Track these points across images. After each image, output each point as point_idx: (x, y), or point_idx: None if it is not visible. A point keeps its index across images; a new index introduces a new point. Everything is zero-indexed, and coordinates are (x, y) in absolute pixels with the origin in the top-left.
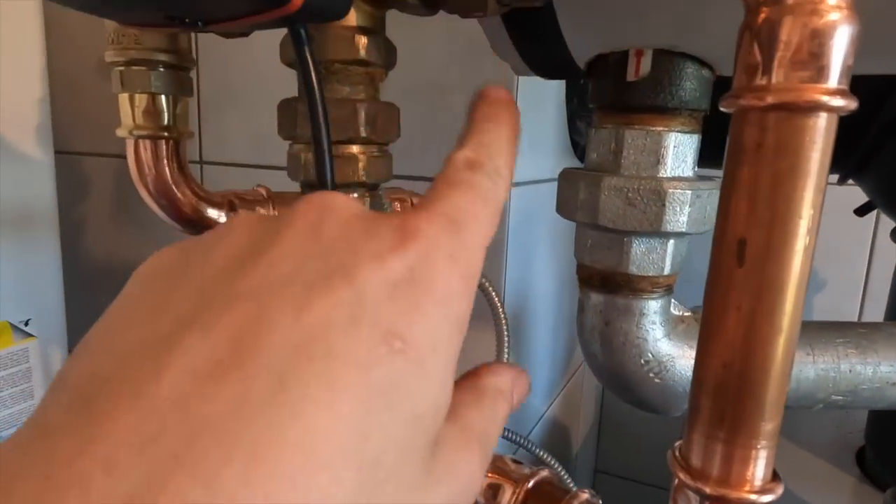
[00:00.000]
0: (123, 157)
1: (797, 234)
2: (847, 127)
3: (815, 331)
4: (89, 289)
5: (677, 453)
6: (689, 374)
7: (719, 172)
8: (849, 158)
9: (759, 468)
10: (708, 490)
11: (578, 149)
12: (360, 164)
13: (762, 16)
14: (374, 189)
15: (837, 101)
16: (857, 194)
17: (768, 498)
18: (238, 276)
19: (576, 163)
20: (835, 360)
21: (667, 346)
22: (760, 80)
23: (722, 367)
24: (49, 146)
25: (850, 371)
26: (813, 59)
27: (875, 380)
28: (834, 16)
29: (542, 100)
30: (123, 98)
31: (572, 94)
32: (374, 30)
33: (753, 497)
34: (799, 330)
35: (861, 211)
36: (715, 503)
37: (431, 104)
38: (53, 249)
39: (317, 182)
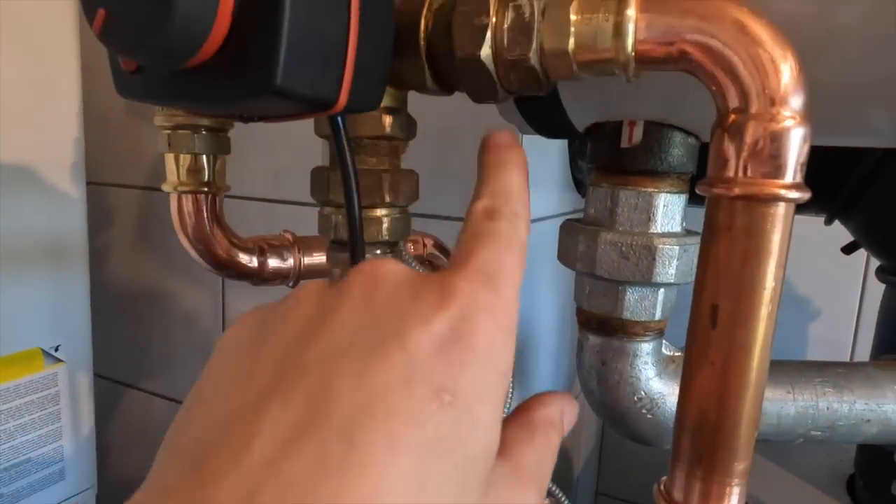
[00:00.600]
0: (147, 188)
1: (762, 303)
2: (831, 173)
3: (796, 370)
4: (112, 313)
5: (662, 487)
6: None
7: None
8: (832, 202)
9: (732, 503)
10: None
11: (581, 186)
12: (385, 226)
13: (731, 119)
14: (395, 245)
15: (793, 194)
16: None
17: None
18: (307, 346)
19: (577, 198)
20: (813, 399)
21: (658, 384)
22: (729, 173)
23: (699, 414)
24: (82, 182)
25: (828, 409)
26: (772, 158)
27: (851, 417)
28: (789, 122)
29: (546, 140)
30: (169, 157)
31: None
32: (398, 109)
33: None
34: (765, 382)
35: (847, 249)
36: None
37: (444, 147)
38: (83, 278)
39: (348, 241)
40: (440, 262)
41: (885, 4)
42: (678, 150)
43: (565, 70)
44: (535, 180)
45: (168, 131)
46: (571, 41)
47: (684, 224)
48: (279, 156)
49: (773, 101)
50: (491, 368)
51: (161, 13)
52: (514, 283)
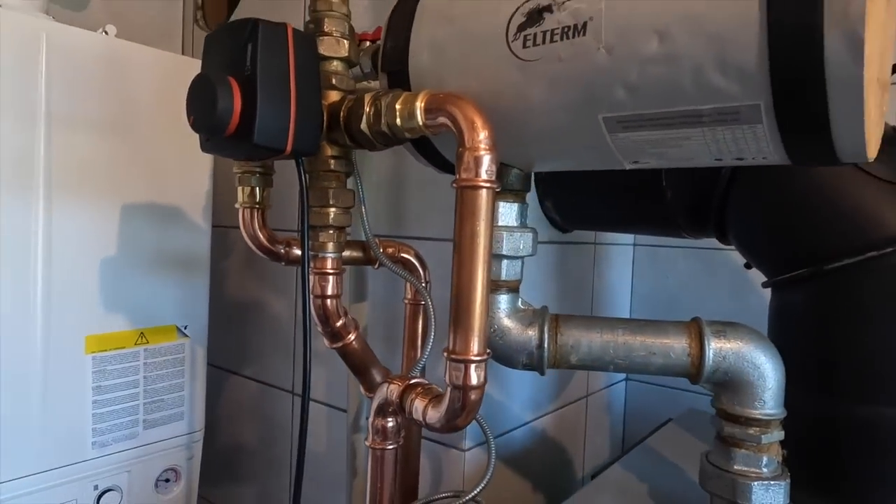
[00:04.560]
0: None
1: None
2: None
3: (608, 322)
4: (223, 317)
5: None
6: (520, 340)
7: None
8: (708, 223)
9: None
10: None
11: (553, 223)
12: (331, 217)
13: (459, 150)
14: (341, 230)
15: (488, 185)
16: None
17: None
18: None
19: (553, 231)
20: (614, 337)
21: (507, 322)
22: (462, 175)
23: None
24: (209, 220)
25: (624, 343)
26: (478, 166)
27: (641, 349)
28: (483, 153)
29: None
30: (238, 188)
31: (539, 182)
32: (339, 156)
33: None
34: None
35: (748, 265)
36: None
37: (429, 186)
38: (205, 285)
39: (299, 227)
40: (412, 265)
41: None
42: (511, 178)
43: (400, 133)
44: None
45: (238, 174)
46: (398, 119)
47: (520, 221)
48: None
49: (476, 145)
50: None
51: (210, 115)
52: None
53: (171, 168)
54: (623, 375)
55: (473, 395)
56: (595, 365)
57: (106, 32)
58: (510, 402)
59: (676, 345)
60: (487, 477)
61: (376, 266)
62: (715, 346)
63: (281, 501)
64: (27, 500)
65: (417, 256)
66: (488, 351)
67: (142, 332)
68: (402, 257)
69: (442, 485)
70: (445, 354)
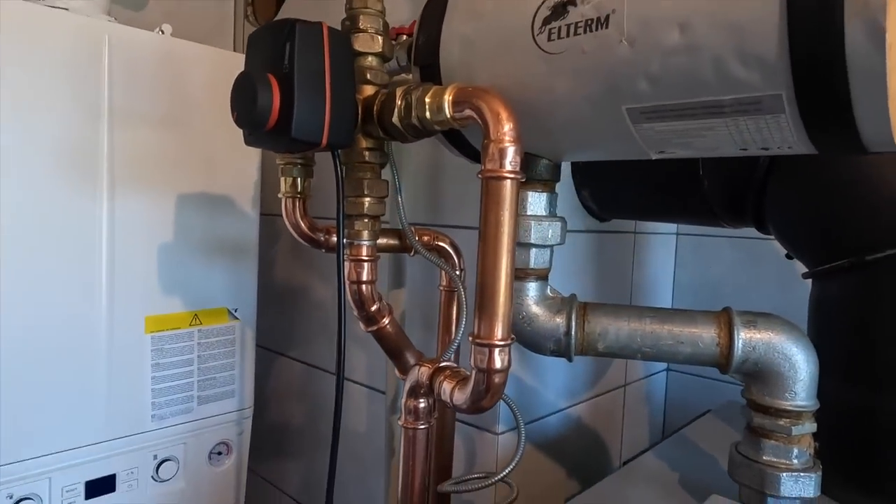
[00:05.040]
0: None
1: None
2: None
3: (636, 311)
4: (272, 299)
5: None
6: (548, 326)
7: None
8: (746, 217)
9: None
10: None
11: (590, 211)
12: (365, 207)
13: (485, 142)
14: (376, 219)
15: (513, 176)
16: None
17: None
18: None
19: (591, 220)
20: (641, 325)
21: (535, 308)
22: (490, 165)
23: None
24: (258, 209)
25: (652, 332)
26: (503, 157)
27: (669, 338)
28: (507, 144)
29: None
30: (281, 179)
31: (576, 172)
32: (374, 148)
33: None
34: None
35: (789, 255)
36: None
37: (465, 174)
38: (253, 270)
39: (336, 215)
40: (447, 253)
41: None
42: (540, 168)
43: (430, 126)
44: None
45: (281, 165)
46: (428, 112)
47: (551, 210)
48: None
49: (500, 137)
50: None
51: (251, 111)
52: None
53: (221, 160)
54: (664, 366)
55: (497, 378)
56: (622, 352)
57: (162, 31)
58: (544, 389)
59: (705, 334)
60: (517, 458)
61: (412, 254)
62: (745, 337)
63: (325, 477)
64: (95, 466)
65: (452, 245)
66: (512, 336)
67: (196, 314)
68: (438, 245)
69: (475, 467)
70: (471, 339)
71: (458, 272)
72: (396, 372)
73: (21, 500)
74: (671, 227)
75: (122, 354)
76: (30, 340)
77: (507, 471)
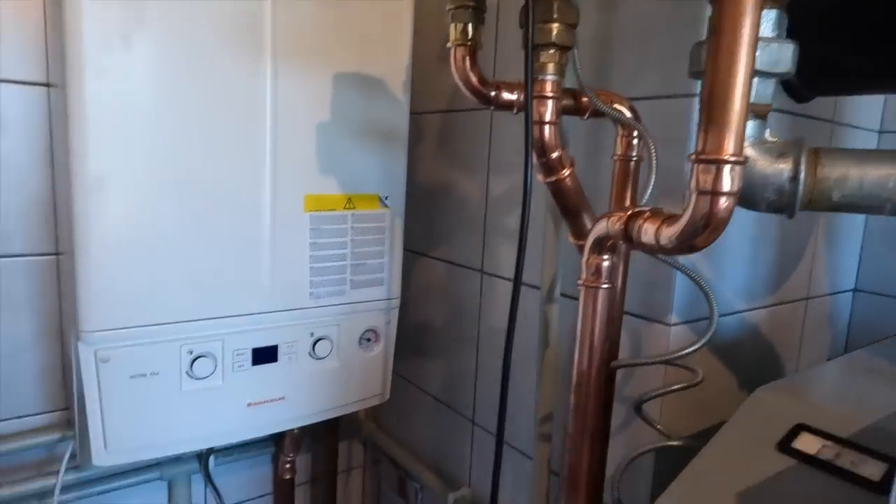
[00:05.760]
0: (445, 111)
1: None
2: None
3: (880, 154)
4: (413, 200)
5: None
6: (767, 172)
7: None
8: None
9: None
10: None
11: (789, 89)
12: (553, 34)
13: None
14: (563, 51)
15: None
16: None
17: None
18: None
19: (786, 100)
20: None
21: (751, 152)
22: None
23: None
24: (408, 95)
25: None
26: None
27: None
28: None
29: None
30: (451, 26)
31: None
32: None
33: None
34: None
35: None
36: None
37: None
38: (402, 159)
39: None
40: (624, 117)
41: None
42: None
43: None
44: None
45: (451, 9)
46: None
47: (780, 33)
48: None
49: None
50: None
51: None
52: None
53: (376, 39)
54: (851, 284)
55: (723, 203)
56: (864, 204)
57: None
58: (721, 286)
59: None
60: (707, 336)
61: (585, 116)
62: None
63: (466, 375)
64: (260, 336)
65: (632, 108)
66: (745, 155)
67: (349, 198)
68: (615, 108)
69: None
70: (693, 157)
71: (636, 140)
72: (569, 237)
73: (199, 356)
74: (874, 120)
75: (285, 231)
76: (204, 207)
77: (691, 348)
